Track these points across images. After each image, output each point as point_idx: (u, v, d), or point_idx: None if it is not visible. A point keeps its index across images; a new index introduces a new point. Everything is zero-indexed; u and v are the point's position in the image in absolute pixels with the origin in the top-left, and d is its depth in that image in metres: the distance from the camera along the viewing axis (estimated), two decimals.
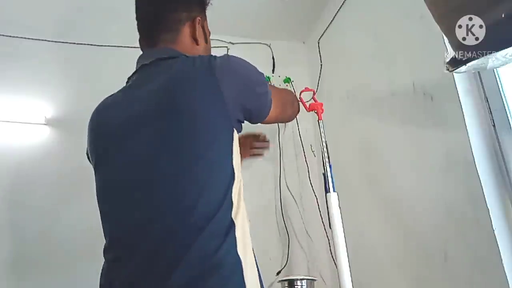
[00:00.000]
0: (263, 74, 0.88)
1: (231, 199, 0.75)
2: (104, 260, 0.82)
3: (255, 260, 0.77)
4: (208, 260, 0.69)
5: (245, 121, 0.84)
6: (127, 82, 0.95)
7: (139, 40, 0.97)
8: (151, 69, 0.86)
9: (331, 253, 1.52)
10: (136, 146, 0.78)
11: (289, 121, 1.20)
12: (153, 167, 0.76)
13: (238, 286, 0.70)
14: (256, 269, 0.77)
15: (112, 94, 0.95)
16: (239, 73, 0.81)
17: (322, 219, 1.63)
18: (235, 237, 0.73)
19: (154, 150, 0.76)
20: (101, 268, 0.82)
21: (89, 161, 0.95)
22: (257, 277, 0.76)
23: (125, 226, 0.78)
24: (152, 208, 0.74)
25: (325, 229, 1.60)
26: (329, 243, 1.56)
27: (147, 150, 0.77)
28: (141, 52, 0.96)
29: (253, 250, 0.78)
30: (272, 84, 1.76)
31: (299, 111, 1.11)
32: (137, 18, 0.96)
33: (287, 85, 1.86)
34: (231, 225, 0.74)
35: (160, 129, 0.76)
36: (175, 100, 0.75)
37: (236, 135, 0.80)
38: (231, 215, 0.74)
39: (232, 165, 0.77)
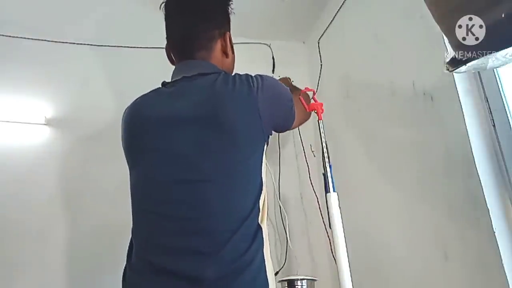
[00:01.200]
0: (288, 90, 0.99)
1: (259, 206, 0.86)
2: (129, 259, 0.87)
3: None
4: (240, 258, 0.78)
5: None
6: (163, 85, 1.00)
7: (172, 51, 1.05)
8: (195, 81, 0.93)
9: (331, 253, 1.52)
10: (181, 145, 0.86)
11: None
12: (197, 169, 0.84)
13: (264, 282, 0.80)
14: (272, 268, 0.86)
15: (147, 94, 1.00)
16: (273, 93, 0.92)
17: (322, 219, 1.63)
18: (262, 239, 0.84)
19: (199, 154, 0.84)
20: (125, 269, 0.87)
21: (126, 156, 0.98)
22: (273, 275, 0.87)
23: (164, 223, 0.83)
24: (193, 208, 0.82)
25: (325, 229, 1.59)
26: (329, 243, 1.56)
27: (193, 152, 0.85)
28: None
29: None
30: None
31: (309, 117, 1.22)
32: (169, 31, 1.04)
33: None
34: (258, 229, 0.84)
35: (205, 138, 0.85)
36: (220, 115, 0.85)
37: (265, 148, 0.91)
38: (258, 220, 0.85)
39: (261, 176, 0.89)
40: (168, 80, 1.00)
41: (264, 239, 0.85)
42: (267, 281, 0.81)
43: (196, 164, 0.84)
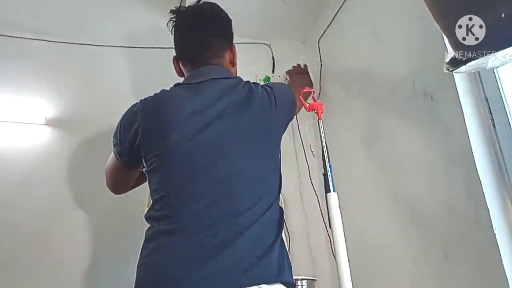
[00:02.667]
0: (289, 87, 1.20)
1: (279, 200, 0.99)
2: (154, 232, 0.91)
3: None
4: (265, 242, 0.89)
5: None
6: (186, 84, 1.08)
7: (182, 61, 1.14)
8: (224, 82, 1.04)
9: (331, 253, 1.52)
10: (221, 137, 0.95)
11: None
12: (235, 161, 0.94)
13: (289, 264, 0.94)
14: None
15: (171, 89, 1.06)
16: (286, 99, 1.10)
17: (323, 219, 1.63)
18: (283, 227, 0.97)
19: (234, 145, 0.95)
20: (146, 248, 0.89)
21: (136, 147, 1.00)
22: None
23: (195, 209, 0.89)
24: (230, 197, 0.91)
25: (326, 229, 1.59)
26: (329, 243, 1.56)
27: (226, 143, 0.95)
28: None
29: None
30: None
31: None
32: (181, 44, 1.14)
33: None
34: (281, 217, 0.97)
35: (239, 133, 0.96)
36: (255, 112, 1.00)
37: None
38: (279, 212, 0.98)
39: (281, 172, 1.04)
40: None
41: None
42: (290, 263, 0.96)
43: (236, 153, 0.95)
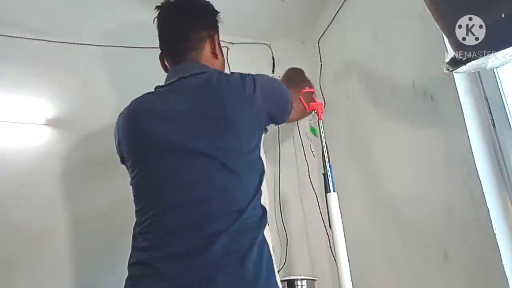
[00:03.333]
0: (284, 85, 1.06)
1: (259, 199, 0.92)
2: (137, 244, 0.90)
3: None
4: (247, 238, 0.84)
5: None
6: (156, 88, 1.06)
7: (165, 56, 1.12)
8: (191, 79, 0.99)
9: (331, 253, 1.52)
10: (187, 138, 0.91)
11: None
12: (204, 159, 0.89)
13: (269, 259, 0.86)
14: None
15: (143, 95, 1.05)
16: (267, 88, 0.99)
17: (322, 219, 1.63)
18: (264, 227, 0.89)
19: (204, 145, 0.89)
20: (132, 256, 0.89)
21: (123, 155, 1.02)
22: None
23: (176, 208, 0.87)
24: (204, 193, 0.87)
25: (325, 229, 1.60)
26: (329, 243, 1.56)
27: (197, 143, 0.90)
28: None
29: None
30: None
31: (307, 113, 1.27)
32: (161, 38, 1.11)
33: None
34: (264, 211, 0.92)
35: (208, 129, 0.91)
36: (220, 108, 0.92)
37: (263, 137, 0.99)
38: (261, 202, 0.92)
39: (263, 162, 0.97)
40: (162, 83, 1.06)
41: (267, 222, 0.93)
42: (272, 259, 0.89)
43: (202, 154, 0.89)
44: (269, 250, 0.88)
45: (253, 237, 0.85)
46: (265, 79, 1.01)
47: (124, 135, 0.99)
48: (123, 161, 1.04)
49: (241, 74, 0.98)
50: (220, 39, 1.14)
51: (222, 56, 1.14)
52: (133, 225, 0.94)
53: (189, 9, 1.10)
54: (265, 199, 0.94)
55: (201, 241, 0.83)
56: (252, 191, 0.90)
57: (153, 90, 1.05)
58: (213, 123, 0.91)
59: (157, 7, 1.11)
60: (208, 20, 1.12)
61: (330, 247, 1.53)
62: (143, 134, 0.95)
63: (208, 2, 1.14)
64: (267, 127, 1.01)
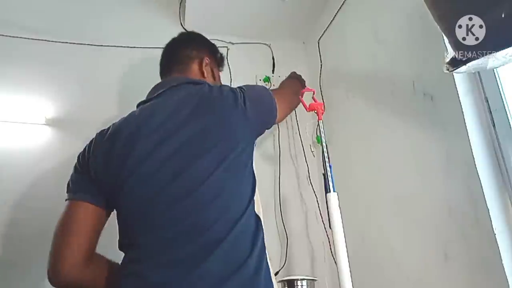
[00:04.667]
0: (266, 89, 1.10)
1: (252, 208, 0.91)
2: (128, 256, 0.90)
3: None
4: (237, 259, 0.81)
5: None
6: (139, 104, 1.07)
7: (160, 72, 1.19)
8: (181, 91, 1.00)
9: (331, 253, 1.52)
10: (166, 155, 0.89)
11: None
12: (193, 175, 0.87)
13: (267, 269, 0.86)
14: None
15: (124, 117, 1.03)
16: (256, 97, 1.01)
17: (322, 219, 1.63)
18: (260, 237, 0.88)
19: (190, 158, 0.88)
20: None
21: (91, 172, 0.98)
22: (273, 275, 0.96)
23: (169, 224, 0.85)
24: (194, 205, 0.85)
25: (325, 229, 1.60)
26: (329, 243, 1.56)
27: (189, 150, 0.88)
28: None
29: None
30: (272, 85, 1.78)
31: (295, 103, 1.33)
32: (159, 65, 1.19)
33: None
34: (257, 227, 0.90)
35: (201, 138, 0.90)
36: (219, 120, 0.92)
37: (254, 147, 1.00)
38: (254, 221, 0.90)
39: (254, 173, 0.96)
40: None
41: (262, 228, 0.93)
42: (269, 268, 0.89)
43: (193, 166, 0.88)
44: (267, 260, 0.87)
45: (251, 245, 0.84)
46: (252, 91, 1.02)
47: (113, 153, 0.94)
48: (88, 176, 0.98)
49: (231, 88, 1.00)
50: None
51: (214, 79, 1.17)
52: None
53: (184, 35, 1.25)
54: (258, 208, 0.95)
55: (194, 257, 0.80)
56: (246, 200, 0.89)
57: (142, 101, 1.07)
58: (210, 133, 0.91)
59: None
60: (200, 44, 1.19)
61: (330, 247, 1.53)
62: (129, 152, 0.91)
63: (202, 35, 1.24)
64: (259, 134, 1.03)
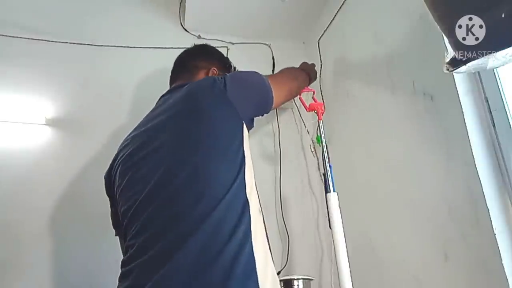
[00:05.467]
0: (256, 72, 1.05)
1: (234, 194, 0.83)
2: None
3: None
4: (212, 250, 0.77)
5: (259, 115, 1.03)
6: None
7: (169, 81, 1.22)
8: (173, 93, 1.04)
9: (331, 253, 1.52)
10: (148, 154, 0.92)
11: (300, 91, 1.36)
12: (169, 166, 0.87)
13: (244, 274, 0.76)
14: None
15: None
16: (240, 79, 0.99)
17: (321, 219, 1.63)
18: (243, 225, 0.81)
19: (167, 154, 0.88)
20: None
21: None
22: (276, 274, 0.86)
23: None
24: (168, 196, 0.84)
25: (325, 229, 1.60)
26: (329, 243, 1.56)
27: (166, 148, 0.89)
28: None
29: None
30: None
31: (309, 79, 1.37)
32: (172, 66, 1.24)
33: None
34: (242, 214, 0.82)
35: (180, 126, 0.90)
36: (194, 107, 0.91)
37: (246, 129, 0.94)
38: (239, 208, 0.82)
39: (244, 155, 0.89)
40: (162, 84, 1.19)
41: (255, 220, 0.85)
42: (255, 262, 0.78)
43: (168, 157, 0.89)
44: (251, 252, 0.78)
45: (226, 238, 0.77)
46: (237, 74, 1.05)
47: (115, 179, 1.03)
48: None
49: (215, 77, 0.98)
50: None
51: None
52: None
53: (194, 48, 1.28)
54: (251, 193, 0.87)
55: (169, 244, 0.77)
56: (227, 185, 0.82)
57: (159, 85, 1.17)
58: (185, 117, 0.91)
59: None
60: (209, 55, 1.23)
61: (330, 247, 1.53)
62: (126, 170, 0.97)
63: (212, 47, 1.29)
64: (252, 119, 0.98)
